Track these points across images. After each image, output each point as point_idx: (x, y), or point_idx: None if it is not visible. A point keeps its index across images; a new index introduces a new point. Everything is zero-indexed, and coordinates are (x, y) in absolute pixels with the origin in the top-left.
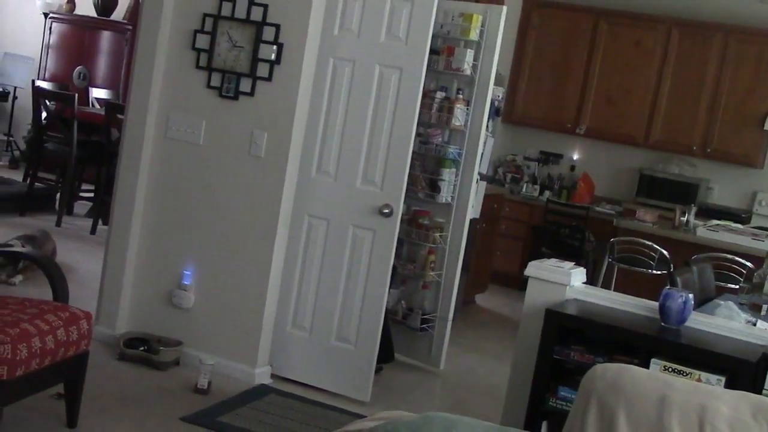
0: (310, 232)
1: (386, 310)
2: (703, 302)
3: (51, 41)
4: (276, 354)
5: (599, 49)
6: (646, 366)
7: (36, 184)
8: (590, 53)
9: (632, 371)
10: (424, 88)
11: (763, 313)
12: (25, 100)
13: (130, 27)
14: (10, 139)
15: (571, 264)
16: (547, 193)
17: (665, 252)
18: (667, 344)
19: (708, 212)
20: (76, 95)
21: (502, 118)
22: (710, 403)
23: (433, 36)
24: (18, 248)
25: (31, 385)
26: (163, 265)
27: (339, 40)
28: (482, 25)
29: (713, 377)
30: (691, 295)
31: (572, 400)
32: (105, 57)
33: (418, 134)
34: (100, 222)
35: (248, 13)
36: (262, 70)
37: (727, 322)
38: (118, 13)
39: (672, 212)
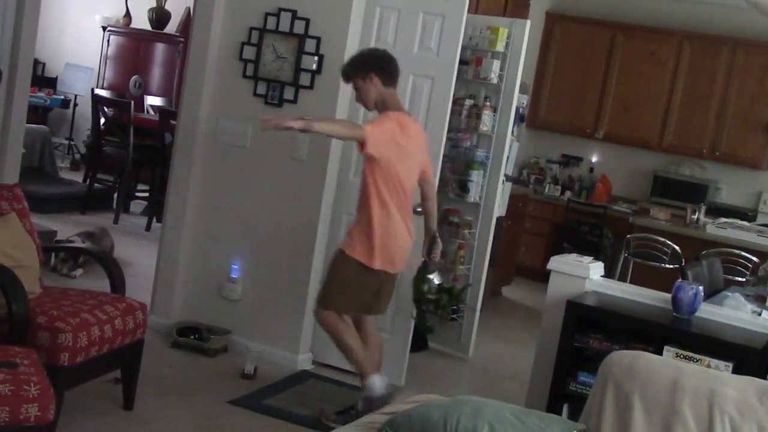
0: None
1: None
2: (712, 294)
3: (109, 53)
4: (317, 341)
5: (616, 60)
6: (660, 353)
7: (95, 184)
8: (608, 63)
9: (646, 358)
10: (453, 95)
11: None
12: (85, 107)
13: (182, 39)
14: (72, 143)
15: (590, 259)
16: (567, 193)
17: (677, 247)
18: (678, 333)
19: (717, 211)
20: (132, 102)
21: (526, 123)
22: (719, 387)
23: (462, 47)
24: (78, 244)
25: (90, 371)
26: (213, 259)
27: None
28: (508, 38)
29: (722, 363)
30: (701, 288)
31: (591, 385)
32: (159, 67)
33: (448, 138)
34: (154, 220)
35: (291, 26)
36: (305, 79)
37: (735, 313)
38: (171, 27)
39: (683, 211)
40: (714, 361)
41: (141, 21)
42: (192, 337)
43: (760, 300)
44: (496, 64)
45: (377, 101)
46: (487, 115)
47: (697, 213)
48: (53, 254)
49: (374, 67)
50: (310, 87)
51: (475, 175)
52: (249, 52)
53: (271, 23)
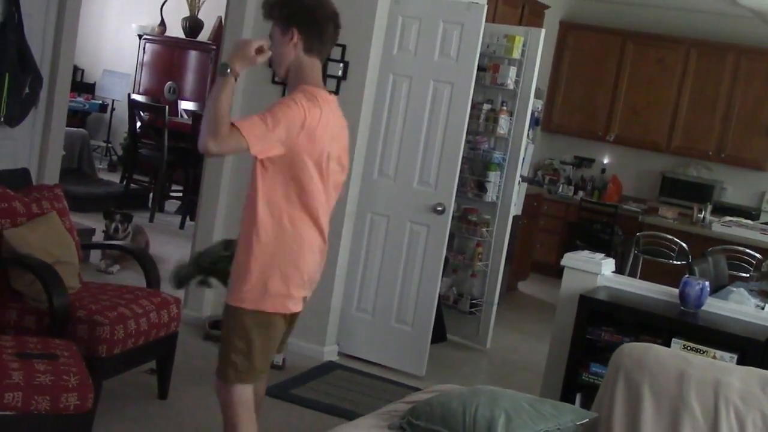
0: (373, 227)
1: (439, 295)
2: (717, 289)
3: (145, 60)
4: (342, 334)
5: (626, 66)
6: (668, 345)
7: (132, 185)
8: (618, 70)
9: (655, 350)
10: (472, 100)
11: None
12: (122, 111)
13: (214, 47)
14: (109, 145)
15: (602, 255)
16: (580, 193)
17: (684, 245)
18: (686, 326)
19: (722, 210)
20: (167, 107)
21: (541, 127)
22: (724, 377)
23: (480, 55)
24: (117, 242)
25: (127, 362)
26: None
27: (398, 58)
28: (524, 46)
29: (727, 355)
30: (707, 283)
31: (603, 375)
32: (192, 73)
33: (467, 141)
34: (188, 218)
35: None
36: (330, 85)
37: (739, 307)
38: (204, 35)
39: (690, 210)
40: (719, 353)
41: (175, 29)
42: None
43: (763, 295)
44: (512, 71)
45: (291, 67)
46: (503, 119)
47: (703, 212)
48: (101, 252)
49: (298, 21)
50: (336, 93)
51: (493, 176)
52: None
53: None
